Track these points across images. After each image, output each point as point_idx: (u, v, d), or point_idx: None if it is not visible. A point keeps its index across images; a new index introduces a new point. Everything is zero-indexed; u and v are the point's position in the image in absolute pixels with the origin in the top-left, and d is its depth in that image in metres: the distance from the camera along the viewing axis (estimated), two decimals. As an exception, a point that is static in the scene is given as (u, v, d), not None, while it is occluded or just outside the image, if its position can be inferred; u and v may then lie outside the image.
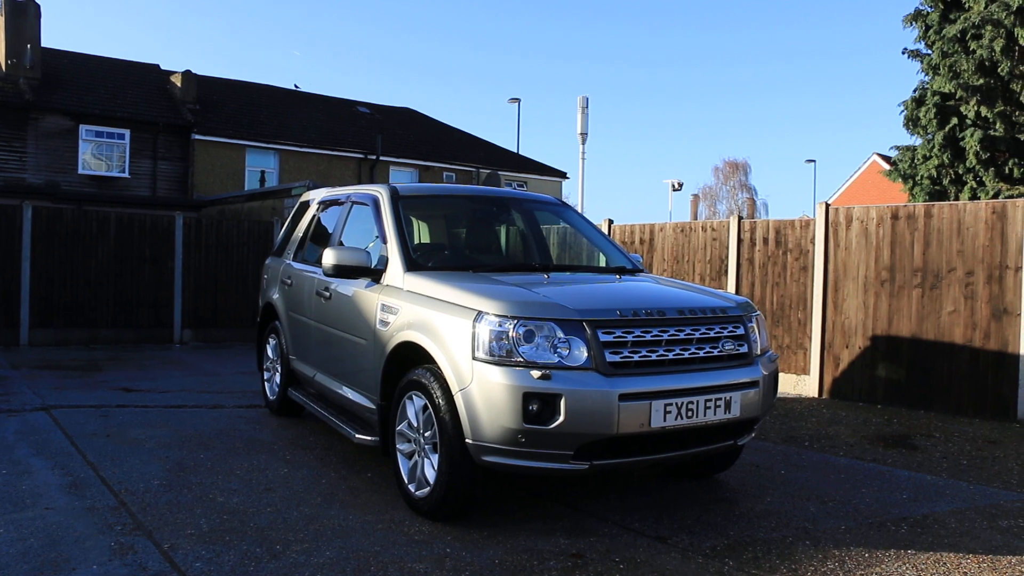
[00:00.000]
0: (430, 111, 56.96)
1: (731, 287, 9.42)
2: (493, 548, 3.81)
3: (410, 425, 4.31)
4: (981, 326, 7.39)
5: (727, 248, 9.53)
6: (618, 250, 5.62)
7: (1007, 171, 15.86)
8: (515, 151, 31.97)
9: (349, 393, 5.13)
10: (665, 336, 3.96)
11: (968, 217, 7.53)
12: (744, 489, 4.91)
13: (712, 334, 4.12)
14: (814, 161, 47.75)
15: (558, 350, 3.77)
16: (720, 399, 3.97)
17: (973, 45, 15.74)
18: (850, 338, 8.35)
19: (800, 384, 8.79)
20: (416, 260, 4.76)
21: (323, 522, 4.14)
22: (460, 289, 4.13)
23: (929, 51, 16.99)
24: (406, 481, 4.34)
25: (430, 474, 4.14)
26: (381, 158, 26.49)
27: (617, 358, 3.82)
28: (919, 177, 16.20)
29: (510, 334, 3.76)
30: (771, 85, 79.39)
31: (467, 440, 3.86)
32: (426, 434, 4.18)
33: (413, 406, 4.27)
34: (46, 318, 11.13)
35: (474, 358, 3.82)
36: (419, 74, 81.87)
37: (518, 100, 35.51)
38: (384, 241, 4.96)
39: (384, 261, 4.85)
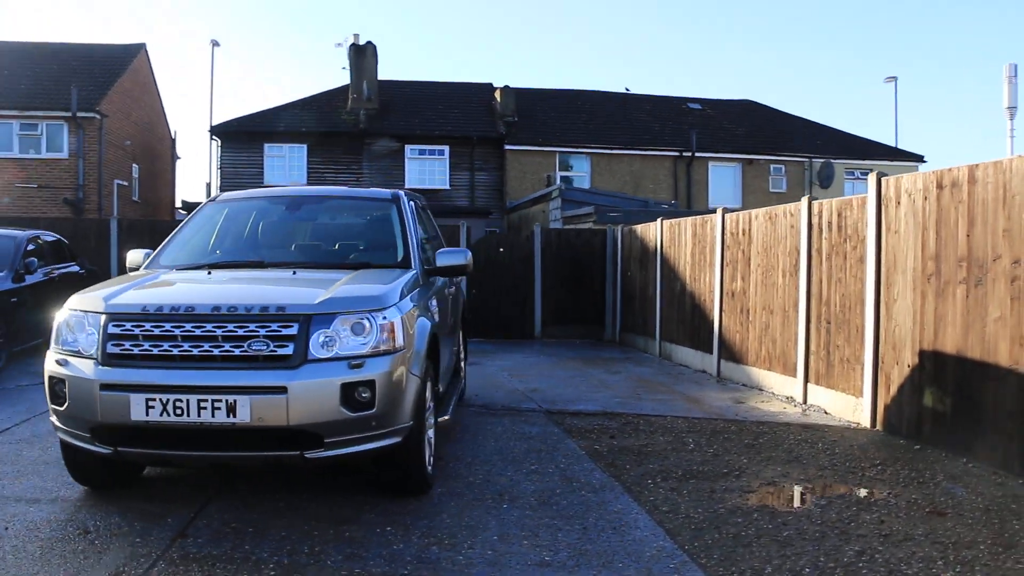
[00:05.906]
0: (787, 102, 51.36)
1: (802, 286, 7.63)
2: (86, 513, 4.23)
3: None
4: (1029, 341, 5.01)
5: (799, 236, 7.75)
6: (403, 244, 5.34)
7: None
8: (863, 138, 28.34)
9: None
10: (179, 332, 3.93)
11: (1016, 181, 5.14)
12: (410, 512, 4.39)
13: (241, 333, 3.91)
14: None
15: (84, 340, 4.07)
16: (219, 401, 3.78)
17: None
18: (900, 352, 6.23)
19: (858, 410, 6.80)
20: (156, 260, 5.24)
21: (23, 479, 4.89)
22: (102, 286, 4.61)
23: None
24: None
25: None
26: (698, 154, 25.86)
27: (117, 349, 3.96)
28: None
29: (66, 323, 4.20)
30: None
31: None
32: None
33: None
34: (554, 318, 14.24)
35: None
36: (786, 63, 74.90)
37: (894, 79, 31.53)
38: (176, 242, 5.58)
39: (161, 261, 5.47)
